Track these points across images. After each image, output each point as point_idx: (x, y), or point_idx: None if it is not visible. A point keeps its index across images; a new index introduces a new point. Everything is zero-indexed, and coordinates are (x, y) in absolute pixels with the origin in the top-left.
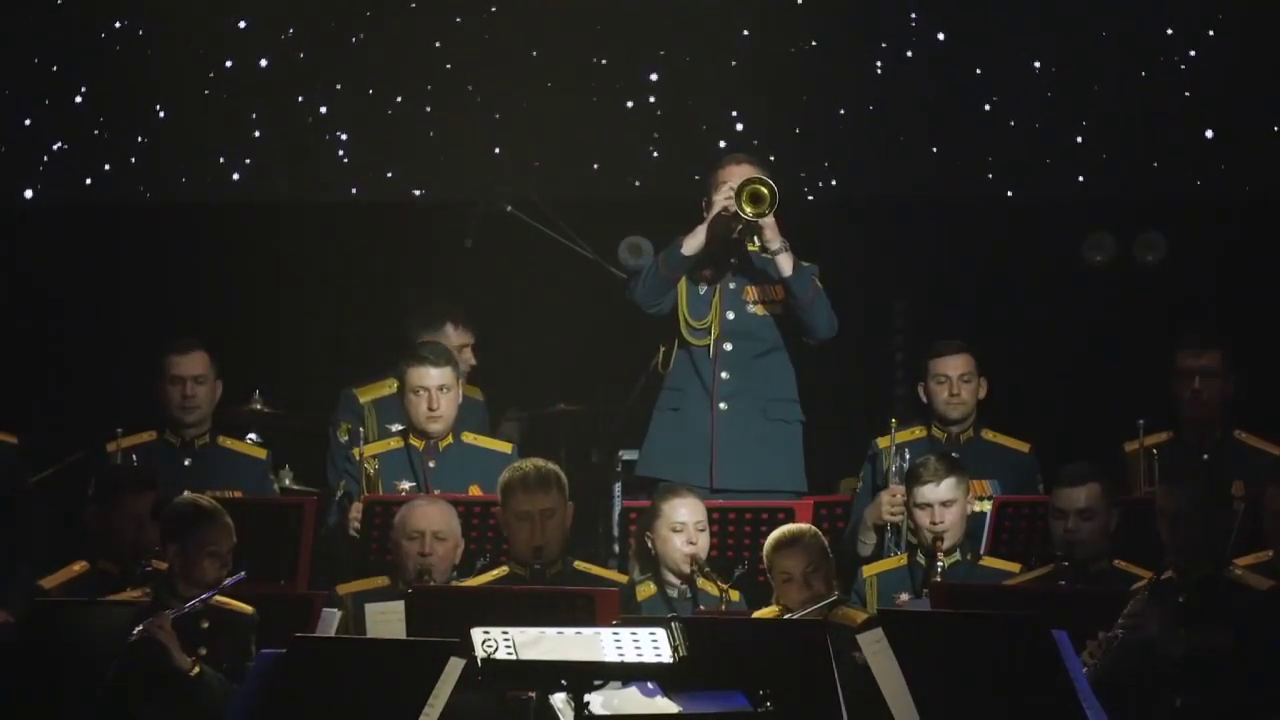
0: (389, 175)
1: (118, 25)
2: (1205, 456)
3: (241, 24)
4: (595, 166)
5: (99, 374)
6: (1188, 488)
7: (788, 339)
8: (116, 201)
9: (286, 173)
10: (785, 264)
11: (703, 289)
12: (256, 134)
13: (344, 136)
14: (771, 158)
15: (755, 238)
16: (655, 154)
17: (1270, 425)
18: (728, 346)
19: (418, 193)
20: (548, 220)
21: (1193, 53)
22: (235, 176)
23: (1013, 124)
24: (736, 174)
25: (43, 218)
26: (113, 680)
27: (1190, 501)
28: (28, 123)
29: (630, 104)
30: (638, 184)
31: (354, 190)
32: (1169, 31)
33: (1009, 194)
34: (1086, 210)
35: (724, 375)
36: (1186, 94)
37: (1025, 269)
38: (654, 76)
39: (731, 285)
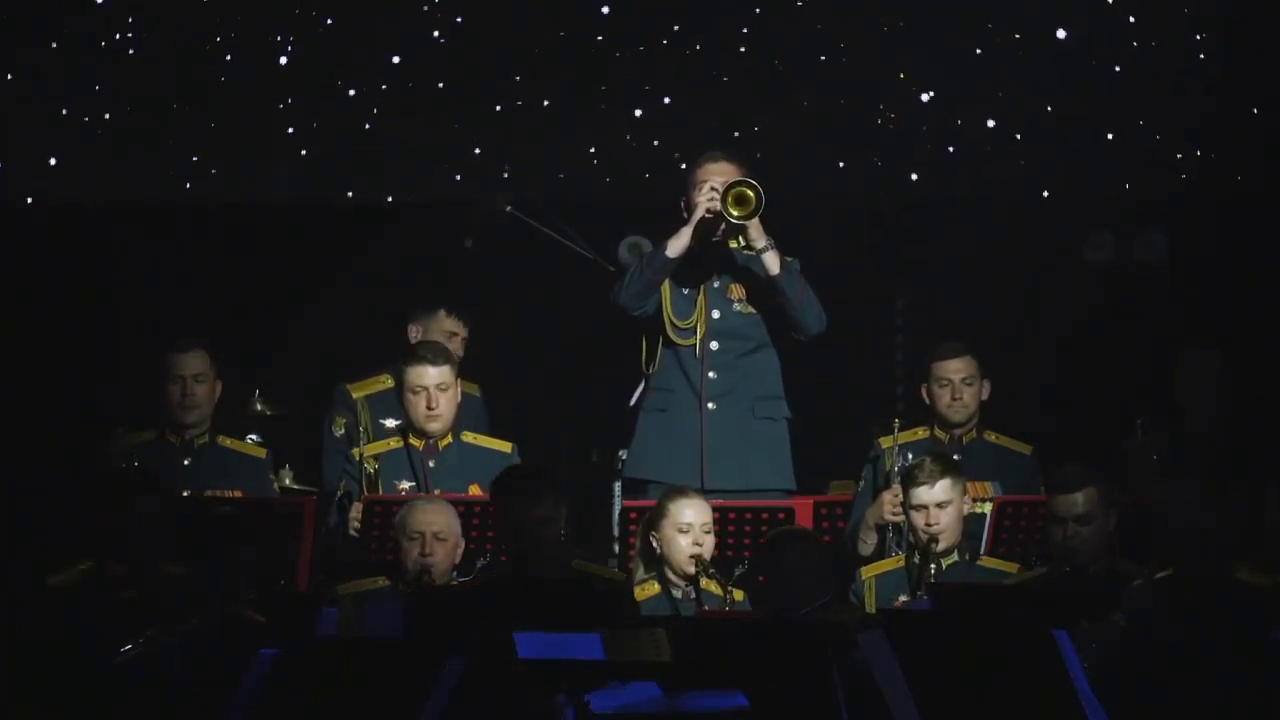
0: (389, 175)
1: (121, 26)
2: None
3: (242, 26)
4: (595, 166)
5: (99, 374)
6: (1188, 487)
7: (773, 335)
8: (117, 201)
9: (287, 173)
10: (772, 263)
11: (686, 290)
12: (258, 135)
13: (344, 137)
14: (785, 159)
15: (740, 237)
16: (655, 154)
17: (1271, 424)
18: (714, 346)
19: (417, 193)
20: (548, 220)
21: (1194, 51)
22: (236, 177)
23: (1013, 124)
24: (715, 172)
25: (44, 217)
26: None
27: (1190, 501)
28: (30, 123)
29: (631, 103)
30: (637, 184)
31: (353, 190)
32: (1170, 30)
33: (1009, 194)
34: (1086, 210)
35: (711, 375)
36: (1187, 93)
37: (1025, 269)
38: (655, 76)
39: (715, 284)
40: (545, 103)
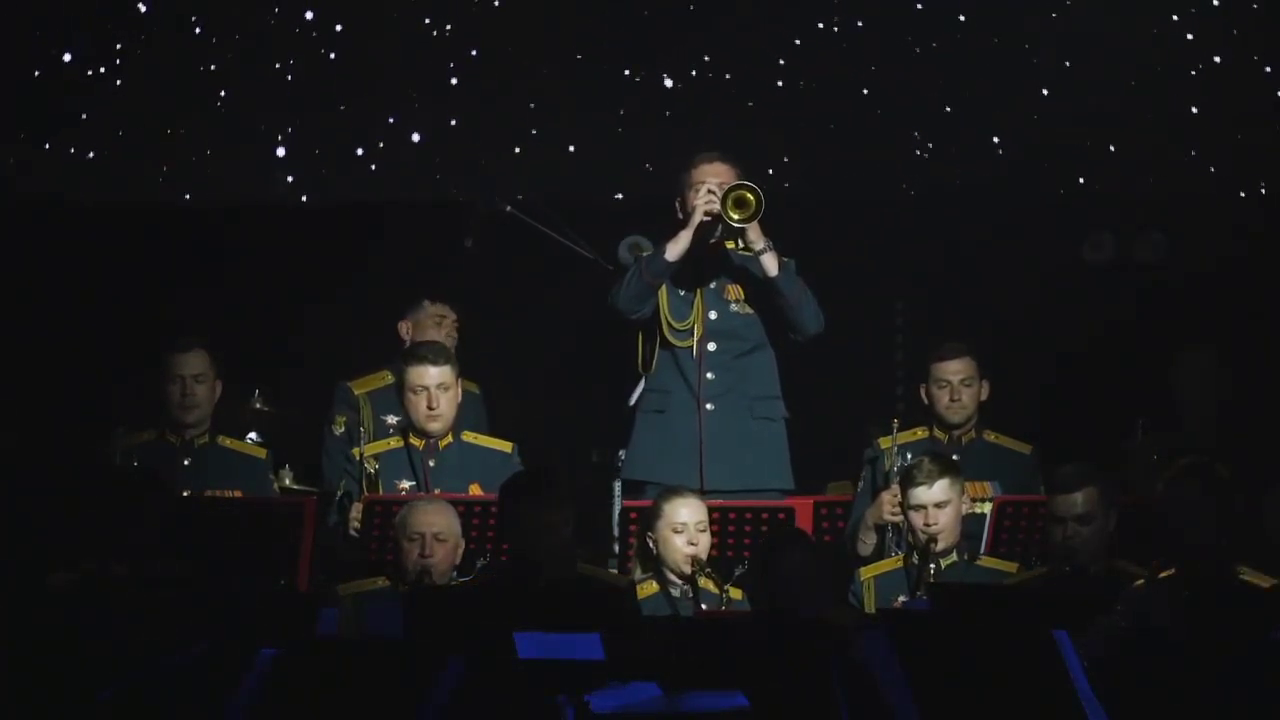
0: (389, 176)
1: (123, 27)
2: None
3: (245, 27)
4: (595, 166)
5: (99, 374)
6: (1188, 487)
7: (770, 335)
8: (117, 201)
9: (287, 173)
10: (770, 264)
11: (683, 291)
12: (258, 136)
13: (345, 137)
14: (785, 159)
15: (738, 239)
16: (656, 154)
17: (1271, 424)
18: (711, 347)
19: (418, 193)
20: (548, 220)
21: (1193, 50)
22: (236, 177)
23: (1013, 123)
24: (710, 173)
25: (43, 217)
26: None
27: (1190, 501)
28: (30, 122)
29: (631, 103)
30: (637, 184)
31: (354, 190)
32: (1170, 30)
33: (1009, 194)
34: (1086, 210)
35: (709, 376)
36: (1187, 93)
37: (1025, 269)
38: (654, 77)
39: (712, 285)
40: (546, 103)
